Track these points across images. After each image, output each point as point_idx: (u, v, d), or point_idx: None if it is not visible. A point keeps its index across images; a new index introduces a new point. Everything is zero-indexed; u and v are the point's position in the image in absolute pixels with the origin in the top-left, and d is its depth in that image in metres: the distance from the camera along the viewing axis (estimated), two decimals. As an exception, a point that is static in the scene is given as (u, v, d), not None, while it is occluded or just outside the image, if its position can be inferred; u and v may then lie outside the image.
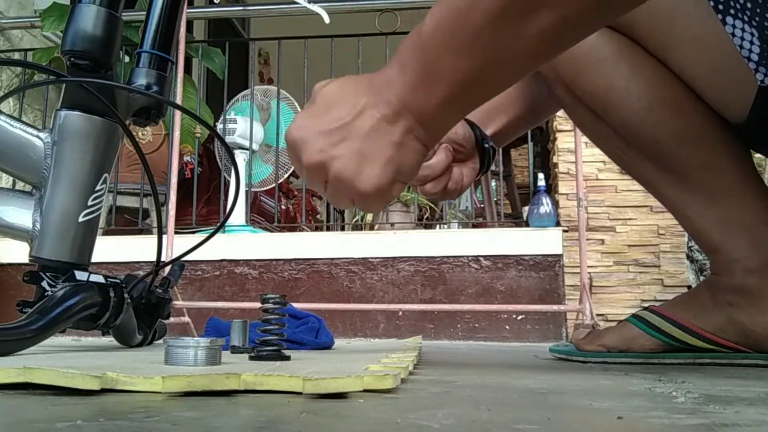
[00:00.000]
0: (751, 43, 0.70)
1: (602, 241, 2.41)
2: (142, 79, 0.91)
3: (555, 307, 2.04)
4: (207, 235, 0.94)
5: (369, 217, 2.57)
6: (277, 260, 2.24)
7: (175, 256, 1.49)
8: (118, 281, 0.87)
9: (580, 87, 0.82)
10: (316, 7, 2.30)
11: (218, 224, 1.08)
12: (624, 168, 0.89)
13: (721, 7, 0.70)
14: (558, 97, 0.88)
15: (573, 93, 0.83)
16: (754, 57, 0.70)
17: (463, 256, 2.15)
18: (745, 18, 0.69)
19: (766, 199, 0.79)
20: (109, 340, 0.94)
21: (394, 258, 2.18)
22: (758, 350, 0.78)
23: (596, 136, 0.88)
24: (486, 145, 0.85)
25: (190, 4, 4.20)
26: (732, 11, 0.70)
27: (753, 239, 0.79)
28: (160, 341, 1.00)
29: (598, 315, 2.07)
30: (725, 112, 0.77)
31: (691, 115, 0.78)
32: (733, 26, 0.70)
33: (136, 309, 0.90)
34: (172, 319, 1.79)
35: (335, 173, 0.56)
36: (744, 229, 0.79)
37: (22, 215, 0.84)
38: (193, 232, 2.44)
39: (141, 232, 2.73)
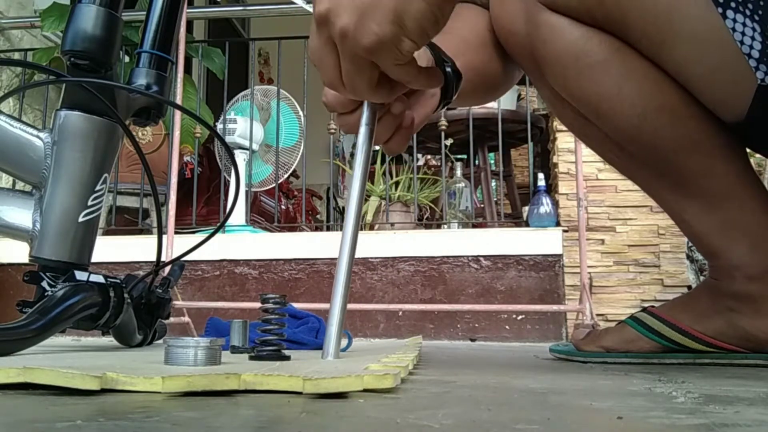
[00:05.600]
0: (753, 39, 0.67)
1: (602, 241, 2.41)
2: (142, 79, 0.91)
3: (555, 307, 2.04)
4: (207, 235, 0.94)
5: (369, 216, 2.57)
6: (277, 260, 2.24)
7: (175, 256, 1.49)
8: (118, 281, 0.87)
9: (568, 92, 0.78)
10: (310, 7, 2.31)
11: (218, 224, 1.08)
12: (618, 170, 0.86)
13: (721, 0, 0.68)
14: (545, 98, 0.86)
15: (560, 96, 0.80)
16: (755, 54, 0.68)
17: (463, 256, 2.15)
18: (747, 12, 0.67)
19: (766, 202, 0.78)
20: (109, 340, 0.94)
21: (394, 258, 2.18)
22: (758, 352, 0.78)
23: (587, 139, 0.85)
24: (447, 69, 0.70)
25: (190, 4, 4.20)
26: (733, 4, 0.67)
27: (753, 244, 0.77)
28: (160, 341, 1.00)
29: (598, 315, 2.07)
30: (722, 112, 0.75)
31: (686, 121, 0.75)
32: (734, 21, 0.67)
33: (136, 309, 0.90)
34: (172, 319, 1.79)
35: (339, 28, 0.53)
36: (744, 234, 0.78)
37: (22, 215, 0.84)
38: (193, 232, 2.44)
39: (141, 232, 2.73)
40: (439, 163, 3.07)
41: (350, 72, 0.56)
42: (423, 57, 0.66)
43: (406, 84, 0.59)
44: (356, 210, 0.62)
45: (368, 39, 0.53)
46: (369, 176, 2.79)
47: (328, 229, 3.49)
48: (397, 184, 2.61)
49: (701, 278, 2.37)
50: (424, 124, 0.70)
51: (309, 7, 2.33)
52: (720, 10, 0.68)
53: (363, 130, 0.62)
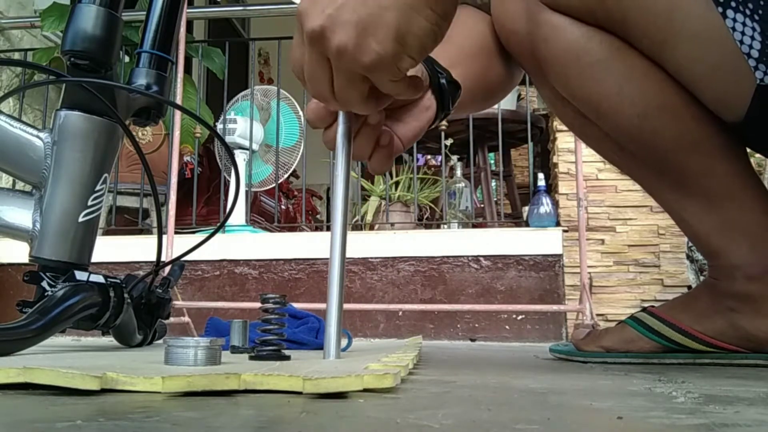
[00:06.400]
0: (752, 38, 0.67)
1: (602, 241, 2.41)
2: (142, 79, 0.91)
3: (555, 307, 2.04)
4: (207, 235, 0.94)
5: (369, 216, 2.57)
6: (277, 260, 2.24)
7: (175, 256, 1.49)
8: (118, 281, 0.87)
9: (569, 91, 0.78)
10: None
11: (218, 224, 1.08)
12: (619, 169, 0.87)
13: None
14: (545, 97, 0.86)
15: (561, 95, 0.80)
16: (755, 54, 0.68)
17: (463, 256, 2.15)
18: (747, 12, 0.67)
19: (766, 202, 0.78)
20: (109, 340, 0.94)
21: (394, 258, 2.18)
22: (759, 352, 0.78)
23: (588, 138, 0.85)
24: (442, 80, 0.68)
25: (190, 4, 4.20)
26: (733, 4, 0.67)
27: (753, 244, 0.77)
28: (160, 341, 1.00)
29: (598, 315, 2.07)
30: (722, 112, 0.75)
31: (686, 121, 0.75)
32: (734, 20, 0.67)
33: (136, 309, 0.90)
34: (172, 319, 1.79)
35: (336, 45, 0.52)
36: (744, 235, 0.78)
37: (22, 215, 0.84)
38: (193, 232, 2.44)
39: (141, 232, 2.73)
40: (439, 163, 3.07)
41: (344, 87, 0.55)
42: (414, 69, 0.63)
43: (394, 96, 0.59)
44: (343, 210, 0.62)
45: (369, 57, 0.52)
46: (369, 176, 2.80)
47: (328, 229, 3.49)
48: (397, 184, 2.61)
49: (701, 278, 2.37)
50: (418, 138, 0.68)
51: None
52: (720, 9, 0.68)
53: (340, 141, 0.62)
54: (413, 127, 0.66)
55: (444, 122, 2.39)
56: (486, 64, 0.81)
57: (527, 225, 2.23)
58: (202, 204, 2.93)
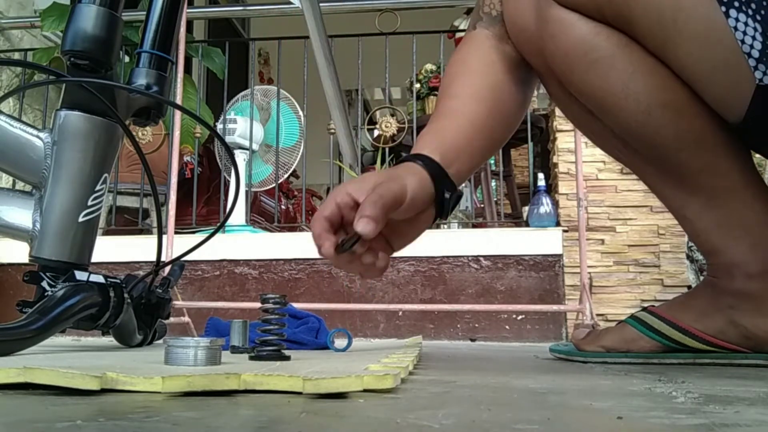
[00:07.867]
0: (753, 38, 0.67)
1: (602, 241, 2.41)
2: (142, 79, 0.91)
3: (555, 307, 2.04)
4: (207, 235, 0.94)
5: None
6: (277, 260, 2.24)
7: (175, 256, 1.49)
8: (118, 281, 0.87)
9: (575, 87, 0.79)
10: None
11: (218, 224, 1.08)
12: (622, 164, 0.88)
13: None
14: (551, 94, 0.87)
15: (568, 91, 0.81)
16: (755, 54, 0.68)
17: (463, 256, 2.15)
18: (750, 12, 0.67)
19: (767, 201, 0.78)
20: (109, 340, 0.94)
21: (394, 258, 2.17)
22: (759, 351, 0.78)
23: (592, 134, 0.86)
24: (446, 195, 0.73)
25: (190, 4, 4.19)
26: (736, 3, 0.67)
27: (753, 243, 0.77)
28: (160, 341, 1.00)
29: (598, 315, 2.07)
30: (724, 111, 0.75)
31: (690, 118, 0.75)
32: (736, 19, 0.68)
33: (136, 309, 0.90)
34: (172, 319, 1.79)
35: None
36: (744, 233, 0.78)
37: (22, 215, 0.84)
38: (193, 232, 2.44)
39: (141, 232, 2.73)
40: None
41: None
42: (416, 183, 0.70)
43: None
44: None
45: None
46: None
47: (328, 229, 3.48)
48: (397, 184, 2.60)
49: (701, 278, 2.37)
50: (412, 242, 0.75)
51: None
52: (723, 8, 0.68)
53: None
54: (411, 237, 0.75)
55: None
56: (506, 112, 0.86)
57: (527, 225, 2.23)
58: (202, 204, 2.93)
